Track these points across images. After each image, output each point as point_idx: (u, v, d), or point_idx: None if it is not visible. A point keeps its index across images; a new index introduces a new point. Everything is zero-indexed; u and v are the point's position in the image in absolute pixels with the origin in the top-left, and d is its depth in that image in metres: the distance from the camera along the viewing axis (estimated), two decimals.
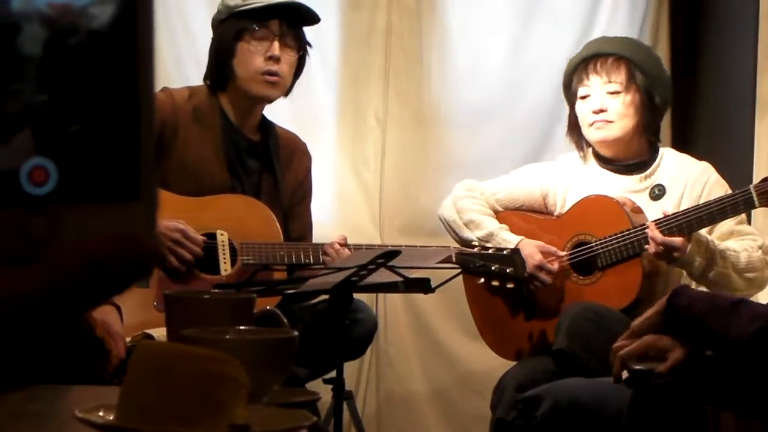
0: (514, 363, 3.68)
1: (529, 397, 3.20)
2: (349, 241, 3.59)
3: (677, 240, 3.44)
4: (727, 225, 3.60)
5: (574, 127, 3.81)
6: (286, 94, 3.67)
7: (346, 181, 4.61)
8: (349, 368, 3.97)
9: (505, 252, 3.62)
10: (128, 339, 2.94)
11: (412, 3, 4.66)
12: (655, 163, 3.74)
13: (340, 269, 3.06)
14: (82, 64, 0.64)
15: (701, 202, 3.57)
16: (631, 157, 3.75)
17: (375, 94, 4.63)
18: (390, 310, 4.59)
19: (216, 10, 3.69)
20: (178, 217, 3.43)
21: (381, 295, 4.51)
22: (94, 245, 0.63)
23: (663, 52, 4.78)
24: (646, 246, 3.49)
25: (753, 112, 4.33)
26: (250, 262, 3.48)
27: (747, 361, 2.01)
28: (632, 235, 3.55)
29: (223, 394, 1.14)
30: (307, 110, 4.50)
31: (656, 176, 3.72)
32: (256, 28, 3.56)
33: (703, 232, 3.52)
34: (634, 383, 2.27)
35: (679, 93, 4.78)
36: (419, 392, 4.64)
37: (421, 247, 3.62)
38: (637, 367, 2.23)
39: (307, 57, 3.69)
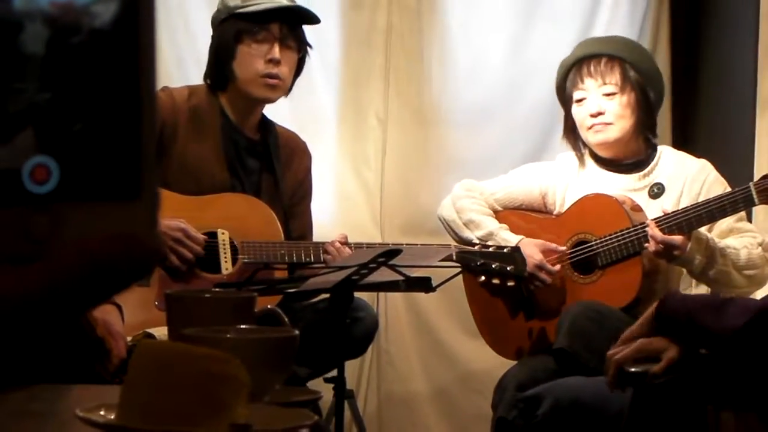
0: (514, 362, 3.68)
1: (530, 396, 3.20)
2: (350, 240, 3.59)
3: (677, 238, 3.44)
4: (726, 222, 3.60)
5: (570, 130, 3.80)
6: (287, 93, 3.67)
7: (346, 181, 4.61)
8: (350, 367, 3.97)
9: (505, 250, 3.62)
10: (129, 338, 2.94)
11: (413, 3, 4.66)
12: (654, 162, 3.73)
13: (341, 268, 3.06)
14: (85, 63, 0.64)
15: (700, 199, 3.57)
16: (630, 156, 3.75)
17: (376, 94, 4.63)
18: (391, 309, 4.60)
19: (216, 9, 3.69)
20: (178, 216, 3.43)
21: (382, 294, 4.51)
22: (95, 244, 0.63)
23: (664, 51, 4.78)
24: (646, 244, 3.49)
25: (754, 111, 4.33)
26: (251, 261, 3.48)
27: (739, 354, 2.01)
28: (632, 233, 3.55)
29: (224, 394, 1.14)
30: (308, 110, 4.50)
31: (655, 175, 3.72)
32: (257, 31, 3.55)
33: (703, 230, 3.52)
34: (632, 384, 2.27)
35: (679, 92, 4.78)
36: (420, 391, 4.64)
37: (422, 246, 3.63)
38: (633, 369, 2.24)
39: (307, 57, 3.69)
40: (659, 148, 3.79)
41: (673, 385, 2.18)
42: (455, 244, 3.77)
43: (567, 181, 3.81)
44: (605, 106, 3.68)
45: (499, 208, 3.84)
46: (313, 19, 3.66)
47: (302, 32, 3.64)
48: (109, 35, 0.64)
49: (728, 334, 2.00)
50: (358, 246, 3.57)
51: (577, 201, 3.72)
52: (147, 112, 0.65)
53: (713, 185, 3.65)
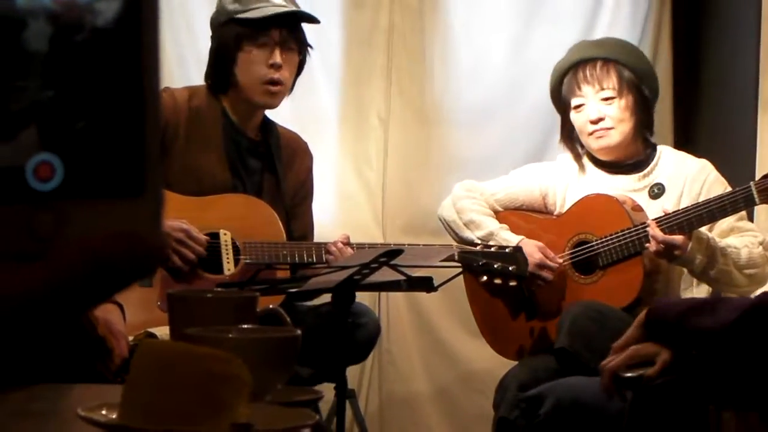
0: (516, 362, 3.68)
1: (531, 396, 3.20)
2: (352, 240, 3.59)
3: (678, 238, 3.44)
4: (727, 222, 3.60)
5: (568, 136, 3.80)
6: (288, 93, 3.67)
7: (348, 181, 4.61)
8: (352, 367, 3.97)
9: (507, 250, 3.62)
10: (131, 338, 2.94)
11: (414, 2, 4.66)
12: (654, 162, 3.73)
13: (342, 268, 3.06)
14: (88, 61, 0.64)
15: (701, 199, 3.57)
16: (630, 157, 3.75)
17: (377, 94, 4.63)
18: (392, 309, 4.60)
19: (215, 10, 3.68)
20: (180, 216, 3.43)
21: (383, 294, 4.51)
22: (98, 242, 0.63)
23: (665, 52, 4.78)
24: (647, 244, 3.49)
25: (755, 111, 4.33)
26: (253, 261, 3.48)
27: (732, 350, 2.01)
28: (633, 233, 3.55)
29: (225, 393, 1.14)
30: (310, 110, 4.50)
31: (655, 175, 3.72)
32: (257, 36, 3.55)
33: (704, 229, 3.52)
34: (629, 388, 2.27)
35: (681, 92, 4.79)
36: (422, 391, 4.64)
37: (423, 246, 3.63)
38: (628, 375, 2.24)
39: (307, 56, 3.69)
40: (659, 148, 3.79)
41: (671, 385, 2.18)
42: (457, 244, 3.77)
43: (567, 181, 3.81)
44: (605, 111, 3.68)
45: (500, 209, 3.84)
46: (312, 20, 3.66)
47: (302, 33, 3.64)
48: (112, 32, 0.64)
49: (719, 330, 2.00)
50: (360, 246, 3.57)
51: (577, 201, 3.72)
52: (150, 110, 0.65)
53: (713, 185, 3.65)
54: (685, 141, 4.60)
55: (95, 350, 2.36)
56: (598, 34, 4.54)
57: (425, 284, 3.17)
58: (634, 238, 3.55)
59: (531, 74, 4.65)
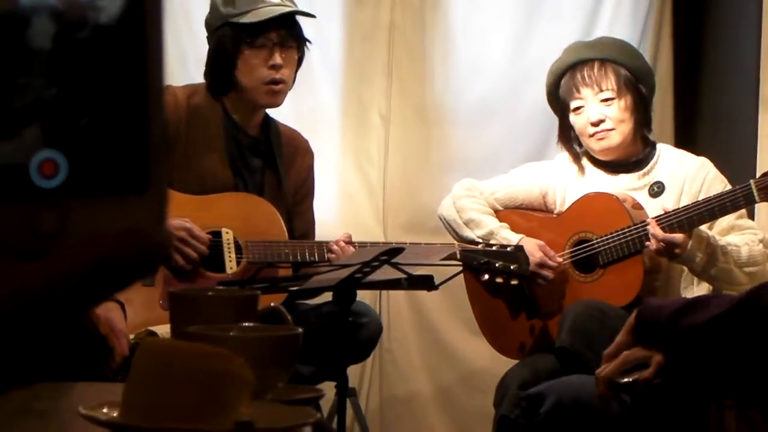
0: (516, 361, 3.69)
1: (532, 395, 3.20)
2: (353, 239, 3.59)
3: (678, 236, 3.44)
4: (727, 220, 3.60)
5: (566, 137, 3.79)
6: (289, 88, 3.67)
7: (349, 178, 4.61)
8: (353, 366, 3.97)
9: (508, 249, 3.62)
10: (131, 336, 2.94)
11: (416, 0, 4.66)
12: (653, 160, 3.73)
13: (344, 266, 3.06)
14: (92, 57, 0.64)
15: (700, 197, 3.57)
16: (629, 156, 3.75)
17: (378, 91, 4.63)
18: (393, 307, 4.60)
19: (209, 12, 3.67)
20: (183, 215, 3.43)
21: (384, 293, 4.52)
22: (103, 240, 0.63)
23: (666, 50, 4.78)
24: (647, 243, 3.49)
25: (756, 109, 4.33)
26: (256, 260, 3.48)
27: (721, 344, 2.01)
28: (633, 232, 3.55)
29: (227, 392, 1.14)
30: (311, 107, 4.50)
31: (654, 173, 3.72)
32: (255, 39, 3.54)
33: (704, 227, 3.52)
34: (626, 393, 2.27)
35: (682, 90, 4.78)
36: (422, 390, 4.64)
37: (424, 244, 3.63)
38: (625, 380, 2.24)
39: (306, 50, 3.68)
40: (658, 146, 3.79)
41: (669, 384, 2.18)
42: (458, 242, 3.77)
43: (567, 180, 3.81)
44: (605, 113, 3.67)
45: (500, 208, 3.84)
46: (308, 15, 3.66)
47: (299, 29, 3.64)
48: (116, 29, 0.64)
49: (709, 324, 2.00)
50: (362, 245, 3.57)
51: (577, 200, 3.72)
52: (154, 106, 0.65)
53: (713, 183, 3.65)
54: (685, 139, 4.60)
55: (96, 349, 2.36)
56: (599, 32, 4.54)
57: (426, 283, 3.17)
58: (635, 236, 3.55)
59: (532, 73, 4.64)
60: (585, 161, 3.80)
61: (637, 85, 3.70)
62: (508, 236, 3.71)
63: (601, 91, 3.68)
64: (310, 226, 3.76)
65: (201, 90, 3.64)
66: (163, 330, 3.03)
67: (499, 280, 3.66)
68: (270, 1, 3.56)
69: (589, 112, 3.68)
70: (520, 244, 3.65)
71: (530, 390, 3.25)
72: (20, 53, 0.63)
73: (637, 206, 3.64)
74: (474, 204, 3.81)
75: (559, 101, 3.77)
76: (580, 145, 3.79)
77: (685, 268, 3.60)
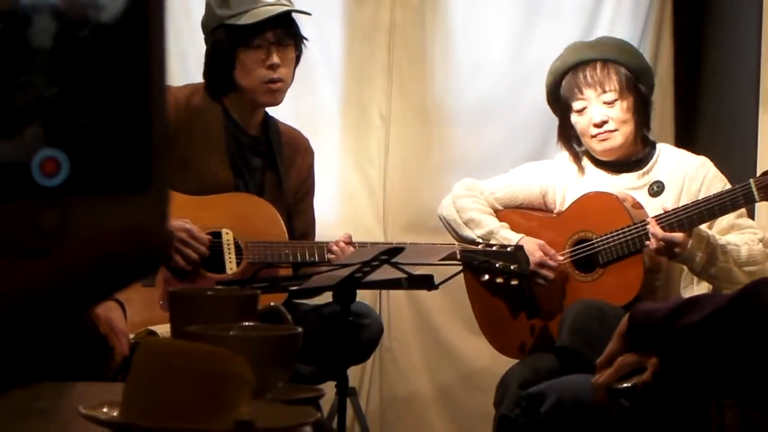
0: (517, 360, 3.69)
1: (532, 394, 3.21)
2: (353, 239, 3.59)
3: (678, 236, 3.44)
4: (727, 219, 3.60)
5: (566, 137, 3.79)
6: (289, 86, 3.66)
7: (349, 178, 4.61)
8: (353, 366, 3.97)
9: (508, 248, 3.62)
10: (131, 336, 2.94)
11: (416, 0, 4.66)
12: (653, 160, 3.74)
13: (343, 266, 3.06)
14: (93, 56, 0.64)
15: (700, 196, 3.57)
16: (630, 156, 3.75)
17: (378, 91, 4.63)
18: (393, 307, 4.60)
19: (204, 13, 3.67)
20: (183, 216, 3.43)
21: (384, 293, 4.52)
22: (104, 238, 0.63)
23: (666, 49, 4.78)
24: (647, 242, 3.49)
25: (756, 108, 4.33)
26: (256, 260, 3.48)
27: (716, 341, 2.01)
28: (633, 231, 3.55)
29: (227, 391, 1.14)
30: (311, 107, 4.50)
31: (654, 172, 3.72)
32: (251, 40, 3.54)
33: (704, 227, 3.52)
34: (627, 398, 2.27)
35: (682, 89, 4.78)
36: (423, 389, 4.64)
37: (425, 244, 3.63)
38: (625, 385, 2.24)
39: (304, 48, 3.67)
40: (658, 145, 3.79)
41: (669, 385, 2.17)
42: (458, 242, 3.77)
43: (567, 179, 3.81)
44: (608, 114, 3.67)
45: (500, 207, 3.84)
46: (304, 13, 3.66)
47: (296, 27, 3.63)
48: (118, 27, 0.64)
49: (703, 322, 2.00)
50: (362, 245, 3.57)
51: (577, 199, 3.72)
52: (156, 105, 0.65)
53: (713, 182, 3.65)
54: (686, 138, 4.60)
55: (97, 348, 2.36)
56: (600, 32, 4.54)
57: (426, 282, 3.17)
58: (635, 235, 3.55)
59: (532, 73, 4.64)
60: (585, 161, 3.80)
61: (637, 85, 3.70)
62: (508, 236, 3.71)
63: (605, 92, 3.67)
64: (311, 226, 3.76)
65: (201, 90, 3.63)
66: (163, 330, 3.03)
67: (499, 279, 3.66)
68: (265, 0, 3.56)
69: (592, 113, 3.68)
70: (520, 243, 3.66)
71: (530, 389, 3.25)
72: (21, 52, 0.63)
73: (637, 205, 3.64)
74: (474, 204, 3.81)
75: (559, 101, 3.76)
76: (580, 144, 3.79)
77: (685, 268, 3.60)
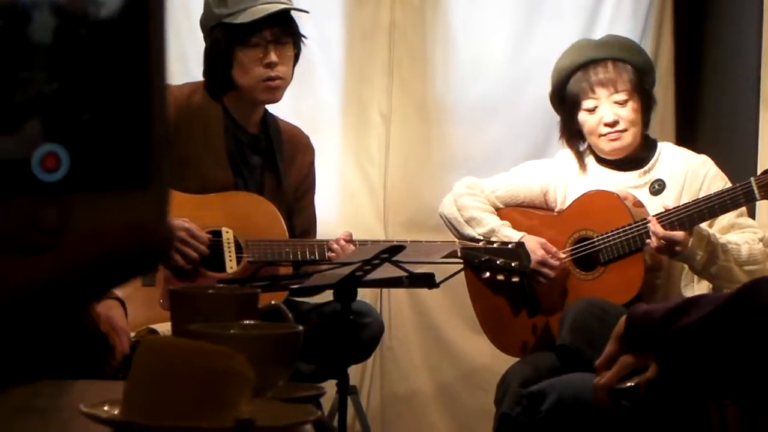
0: (518, 358, 3.69)
1: (533, 392, 3.20)
2: (353, 237, 3.59)
3: (679, 234, 3.44)
4: (727, 218, 3.60)
5: (570, 135, 3.78)
6: (288, 83, 3.66)
7: (350, 177, 4.61)
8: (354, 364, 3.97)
9: (509, 246, 3.62)
10: (132, 334, 2.94)
11: None
12: (654, 158, 3.74)
13: (344, 264, 3.06)
14: (93, 52, 0.64)
15: (701, 195, 3.57)
16: (632, 154, 3.75)
17: (379, 90, 4.63)
18: (394, 305, 4.60)
19: (202, 13, 3.67)
20: (182, 215, 3.43)
21: (385, 291, 4.51)
22: (105, 234, 0.63)
23: (667, 48, 4.78)
24: (648, 240, 3.49)
25: (757, 107, 4.33)
26: (256, 259, 3.48)
27: (714, 341, 2.01)
28: (634, 229, 3.55)
29: (228, 389, 1.14)
30: (311, 106, 4.50)
31: (655, 171, 3.72)
32: (249, 38, 3.54)
33: (704, 225, 3.52)
34: (629, 399, 2.27)
35: (683, 88, 4.78)
36: (423, 388, 4.64)
37: (426, 242, 3.62)
38: (628, 385, 2.24)
39: (302, 45, 3.67)
40: (659, 144, 3.79)
41: (669, 385, 2.17)
42: (459, 240, 3.76)
43: (568, 178, 3.81)
44: (619, 114, 3.67)
45: (501, 206, 3.84)
46: (302, 11, 3.65)
47: (294, 25, 3.63)
48: (118, 23, 0.64)
49: (701, 321, 2.00)
50: (362, 243, 3.57)
51: (578, 197, 3.72)
52: (157, 101, 0.65)
53: (714, 180, 3.65)
54: (686, 137, 4.60)
55: (97, 347, 2.36)
56: (600, 30, 4.54)
57: (427, 281, 3.17)
58: (635, 234, 3.55)
59: (532, 71, 4.64)
60: (587, 159, 3.80)
61: (643, 84, 3.71)
62: (509, 234, 3.71)
63: (617, 92, 3.67)
64: (312, 223, 3.76)
65: (200, 89, 3.63)
66: (164, 328, 3.03)
67: (500, 277, 3.66)
68: None
69: (603, 112, 3.67)
70: (522, 241, 3.65)
71: (531, 388, 3.25)
72: (21, 48, 0.63)
73: (638, 204, 3.64)
74: (475, 202, 3.81)
75: (566, 99, 3.75)
76: (583, 142, 3.78)
77: (686, 266, 3.60)
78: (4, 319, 0.62)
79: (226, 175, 3.58)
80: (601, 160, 3.78)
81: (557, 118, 3.87)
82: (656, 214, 3.51)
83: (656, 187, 3.70)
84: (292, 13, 3.62)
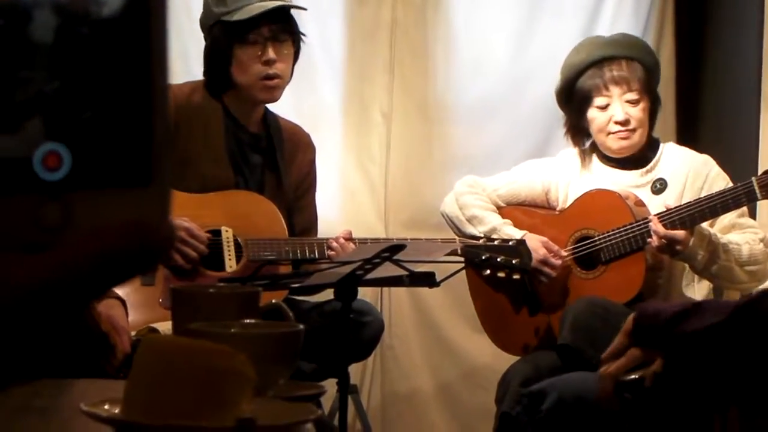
0: (518, 357, 3.69)
1: (534, 392, 3.20)
2: (354, 236, 3.58)
3: (680, 233, 3.44)
4: (728, 218, 3.60)
5: (577, 131, 3.78)
6: (287, 83, 3.66)
7: (351, 176, 4.61)
8: (354, 363, 3.97)
9: (510, 243, 3.62)
10: (133, 333, 2.94)
11: None
12: (656, 158, 3.74)
13: (345, 263, 3.06)
14: (95, 51, 0.64)
15: (703, 194, 3.57)
16: (634, 153, 3.75)
17: (380, 89, 4.63)
18: (395, 304, 4.59)
19: (202, 12, 3.67)
20: (182, 214, 3.42)
21: (386, 290, 4.51)
22: (106, 232, 0.63)
23: (668, 47, 4.78)
24: (649, 240, 3.49)
25: (758, 107, 4.32)
26: (255, 258, 3.48)
27: (719, 351, 2.01)
28: (635, 228, 3.55)
29: (229, 388, 1.14)
30: (312, 105, 4.50)
31: (657, 170, 3.72)
32: (247, 36, 3.54)
33: (705, 225, 3.52)
34: (633, 391, 2.27)
35: (684, 87, 4.78)
36: (424, 387, 4.64)
37: (426, 240, 3.62)
38: (633, 377, 2.24)
39: (302, 43, 3.67)
40: (661, 143, 3.79)
41: (673, 385, 2.17)
42: (460, 238, 3.76)
43: (570, 176, 3.81)
44: (630, 113, 3.67)
45: (503, 204, 3.84)
46: (299, 7, 3.65)
47: (293, 23, 3.63)
48: (120, 22, 0.64)
49: (706, 331, 2.00)
50: (362, 241, 3.57)
51: (580, 197, 3.72)
52: (158, 99, 0.65)
53: (716, 180, 3.65)
54: (687, 137, 4.60)
55: (98, 346, 2.36)
56: (601, 29, 4.54)
57: (427, 279, 3.17)
58: (636, 233, 3.55)
59: (534, 70, 4.64)
60: (590, 157, 3.80)
61: (652, 84, 3.72)
62: (511, 233, 3.71)
63: (630, 91, 3.67)
64: (313, 221, 3.75)
65: (200, 88, 3.63)
66: (165, 327, 3.03)
67: (501, 275, 3.66)
68: None
69: (614, 110, 3.67)
70: (523, 239, 3.65)
71: (532, 387, 3.25)
72: (22, 47, 0.63)
73: (640, 203, 3.63)
74: (477, 201, 3.81)
75: (575, 95, 3.74)
76: (588, 139, 3.78)
77: (687, 266, 3.60)
78: (5, 317, 0.62)
79: (226, 174, 3.58)
80: (603, 159, 3.78)
81: (559, 117, 3.87)
82: (658, 214, 3.51)
83: (658, 186, 3.70)
84: (293, 12, 3.62)
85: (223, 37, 3.55)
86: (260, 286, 1.72)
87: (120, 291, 2.96)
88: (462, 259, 3.52)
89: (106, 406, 1.21)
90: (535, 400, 3.17)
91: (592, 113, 3.71)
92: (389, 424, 4.62)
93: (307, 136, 3.79)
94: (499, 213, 3.81)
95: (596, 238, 3.64)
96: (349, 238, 3.55)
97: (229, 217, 3.53)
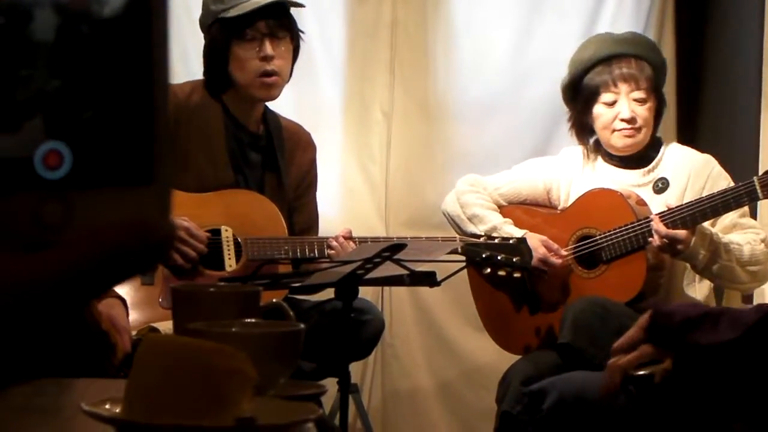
0: (519, 356, 3.68)
1: (534, 391, 3.20)
2: (355, 234, 3.58)
3: (681, 233, 3.44)
4: (729, 218, 3.60)
5: (582, 127, 3.78)
6: (287, 81, 3.65)
7: (351, 175, 4.61)
8: (355, 362, 3.97)
9: (511, 241, 3.61)
10: (134, 333, 2.94)
11: None
12: (658, 157, 3.74)
13: (345, 262, 3.06)
14: (95, 50, 0.64)
15: (704, 194, 3.57)
16: (637, 152, 3.75)
17: (381, 88, 4.63)
18: (395, 303, 4.60)
19: (201, 12, 3.67)
20: (181, 214, 3.42)
21: (386, 289, 4.51)
22: (107, 231, 0.63)
23: (668, 46, 4.77)
24: (650, 239, 3.49)
25: (758, 106, 4.32)
26: (255, 257, 3.48)
27: (732, 367, 2.01)
28: (636, 228, 3.55)
29: (229, 388, 1.14)
30: (313, 103, 4.50)
31: (659, 170, 3.72)
32: (244, 32, 3.54)
33: (707, 225, 3.52)
34: (640, 386, 2.26)
35: (684, 86, 4.78)
36: (424, 386, 4.64)
37: (426, 239, 3.62)
38: (641, 372, 2.23)
39: (301, 41, 3.67)
40: (663, 143, 3.79)
41: (678, 387, 2.17)
42: (460, 237, 3.76)
43: (571, 175, 3.81)
44: (636, 112, 3.67)
45: (504, 203, 3.84)
46: (297, 4, 3.65)
47: (291, 20, 3.62)
48: (121, 21, 0.64)
49: (721, 346, 2.00)
50: (362, 240, 3.57)
51: (581, 195, 3.72)
52: (159, 98, 0.65)
53: (717, 179, 3.65)
54: (688, 136, 4.60)
55: (99, 345, 2.36)
56: (602, 28, 4.53)
57: (428, 279, 3.16)
58: (638, 232, 3.55)
59: (534, 69, 4.64)
60: (593, 155, 3.80)
61: (659, 84, 3.72)
62: (511, 232, 3.71)
63: (638, 89, 3.67)
64: (313, 220, 3.75)
65: (200, 87, 3.63)
66: (165, 326, 3.03)
67: (501, 273, 3.65)
68: None
69: (621, 107, 3.67)
70: (524, 237, 3.65)
71: (532, 386, 3.24)
72: (23, 46, 0.63)
73: (641, 202, 3.63)
74: (478, 199, 3.81)
75: (582, 91, 3.73)
76: (592, 136, 3.78)
77: (688, 265, 3.60)
78: (6, 315, 0.62)
79: (226, 173, 3.58)
80: (606, 157, 3.77)
81: (559, 115, 3.87)
82: (659, 213, 3.51)
83: (660, 185, 3.70)
84: (292, 10, 3.62)
85: (220, 34, 3.55)
86: (260, 286, 1.72)
87: (120, 290, 2.96)
88: (463, 258, 3.52)
89: (107, 406, 1.21)
90: (536, 399, 3.17)
91: (598, 109, 3.71)
92: (390, 423, 4.62)
93: (308, 135, 3.79)
94: (501, 212, 3.81)
95: (597, 237, 3.64)
96: (349, 237, 3.55)
97: (229, 216, 3.53)
